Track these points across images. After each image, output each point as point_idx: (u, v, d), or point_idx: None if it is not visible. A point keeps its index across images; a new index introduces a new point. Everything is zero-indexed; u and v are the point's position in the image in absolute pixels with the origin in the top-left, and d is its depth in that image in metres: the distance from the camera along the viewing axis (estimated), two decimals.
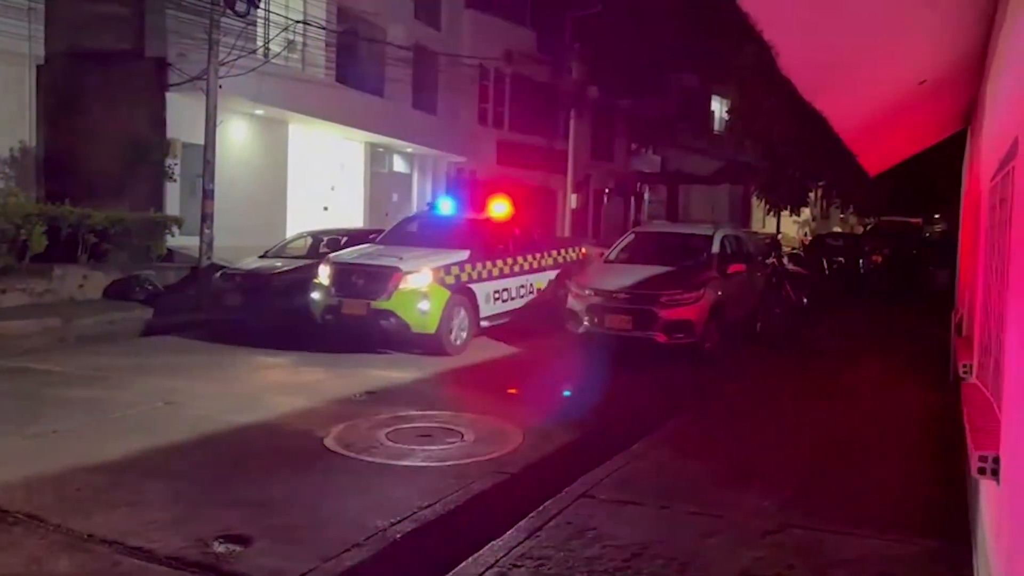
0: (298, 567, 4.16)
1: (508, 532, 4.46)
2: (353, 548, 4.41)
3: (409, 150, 24.81)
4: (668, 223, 16.52)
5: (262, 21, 17.04)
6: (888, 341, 12.76)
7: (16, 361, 8.96)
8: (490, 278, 10.73)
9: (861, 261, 20.68)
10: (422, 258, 10.04)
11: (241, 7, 14.47)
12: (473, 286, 10.35)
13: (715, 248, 11.23)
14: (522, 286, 11.52)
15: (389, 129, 22.02)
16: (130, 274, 13.37)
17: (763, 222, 39.35)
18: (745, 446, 6.43)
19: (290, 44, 17.84)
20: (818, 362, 10.59)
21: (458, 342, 10.07)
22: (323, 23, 19.07)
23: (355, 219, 21.75)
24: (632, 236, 12.34)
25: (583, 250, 13.39)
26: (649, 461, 5.86)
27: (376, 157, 24.05)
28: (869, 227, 28.61)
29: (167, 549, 4.28)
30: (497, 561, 4.11)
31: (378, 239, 11.52)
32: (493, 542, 4.32)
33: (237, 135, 18.39)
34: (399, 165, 25.40)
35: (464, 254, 10.39)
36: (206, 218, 14.47)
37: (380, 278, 9.76)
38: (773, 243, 18.14)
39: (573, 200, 24.95)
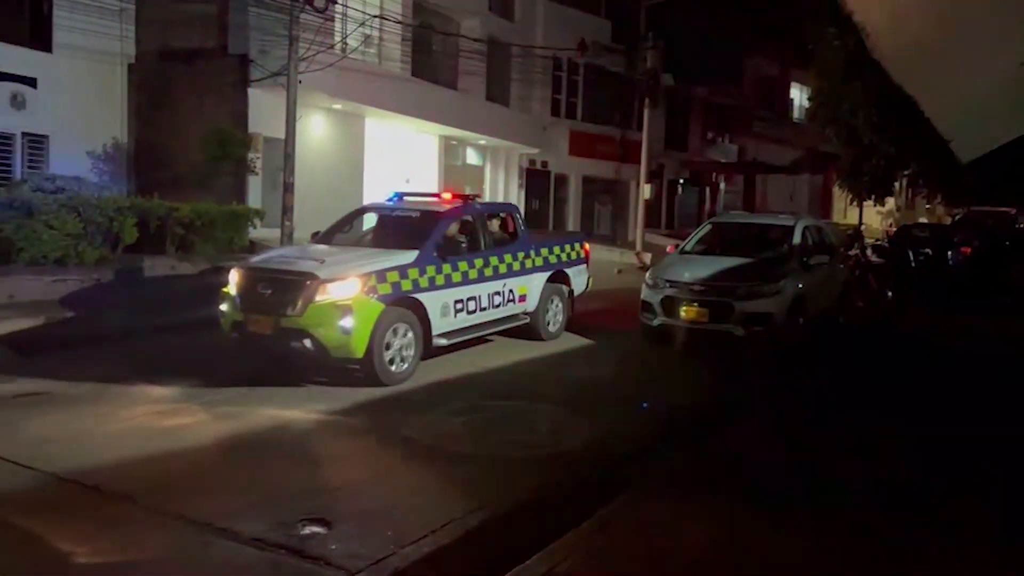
0: (377, 552, 4.23)
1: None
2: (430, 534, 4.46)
3: (482, 142, 24.91)
4: (746, 213, 16.16)
5: (340, 17, 17.32)
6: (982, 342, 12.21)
7: None
8: (449, 285, 8.41)
9: (950, 253, 19.81)
10: (351, 261, 7.90)
11: (320, 3, 14.74)
12: (422, 296, 8.04)
13: (796, 239, 10.92)
14: (496, 293, 9.23)
15: (462, 122, 22.15)
16: (215, 265, 13.82)
17: (844, 213, 38.14)
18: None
19: (367, 39, 18.10)
20: (908, 364, 10.20)
21: (400, 368, 7.73)
22: (399, 18, 19.27)
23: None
24: (709, 227, 12.10)
25: (585, 247, 11.18)
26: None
27: (450, 150, 24.22)
28: (958, 217, 27.36)
29: (252, 531, 4.40)
30: (566, 558, 4.11)
31: (319, 235, 9.46)
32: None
33: (316, 129, 18.77)
34: (472, 158, 25.53)
35: (410, 256, 8.06)
36: (286, 210, 14.82)
37: (291, 287, 7.49)
38: (856, 234, 17.53)
39: (647, 190, 24.59)
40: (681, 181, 34.56)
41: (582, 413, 7.10)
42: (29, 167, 15.67)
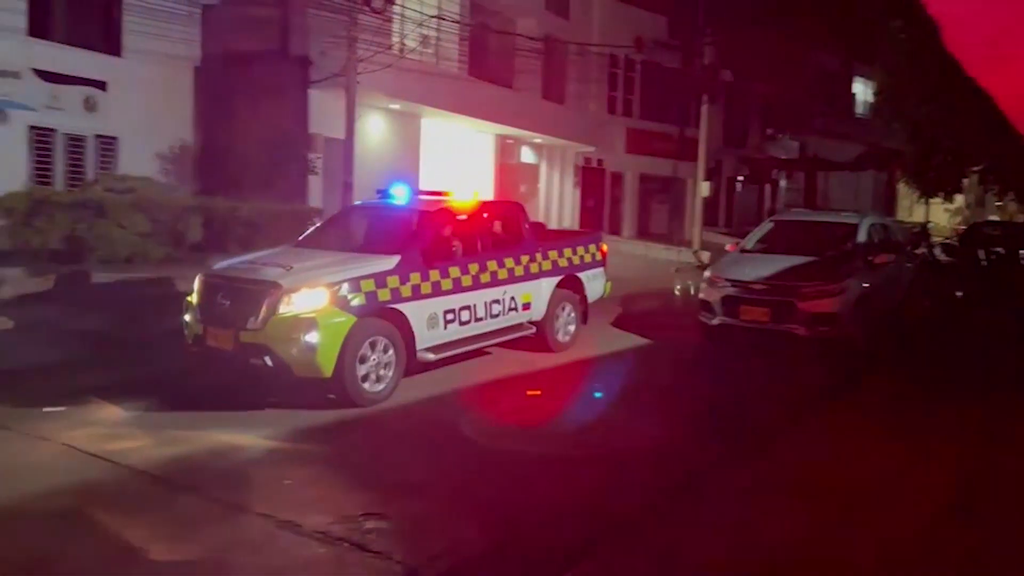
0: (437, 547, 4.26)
1: None
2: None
3: (538, 140, 24.90)
4: (809, 211, 15.81)
5: (398, 17, 17.50)
6: None
7: None
8: (437, 293, 7.52)
9: (1023, 252, 19.08)
10: (320, 268, 7.03)
11: (378, 4, 14.93)
12: (404, 306, 7.14)
13: (861, 237, 10.65)
14: (495, 301, 8.29)
15: (518, 120, 22.18)
16: None
17: (910, 211, 37.05)
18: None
19: (424, 39, 18.25)
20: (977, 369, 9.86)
21: (376, 387, 6.90)
22: (456, 17, 19.39)
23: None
24: (771, 225, 11.88)
25: (603, 248, 10.26)
26: None
27: (505, 148, 24.28)
28: None
29: (315, 524, 4.47)
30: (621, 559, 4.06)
31: (299, 239, 8.73)
32: None
33: (373, 129, 19.01)
34: (527, 156, 25.54)
35: (390, 261, 7.17)
36: None
37: (251, 298, 6.67)
38: (922, 232, 17.04)
39: (705, 188, 24.28)
40: (740, 178, 34.02)
41: (641, 414, 7.04)
42: (100, 168, 16.19)
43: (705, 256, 22.66)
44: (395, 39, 17.28)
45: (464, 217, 8.41)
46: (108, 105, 16.33)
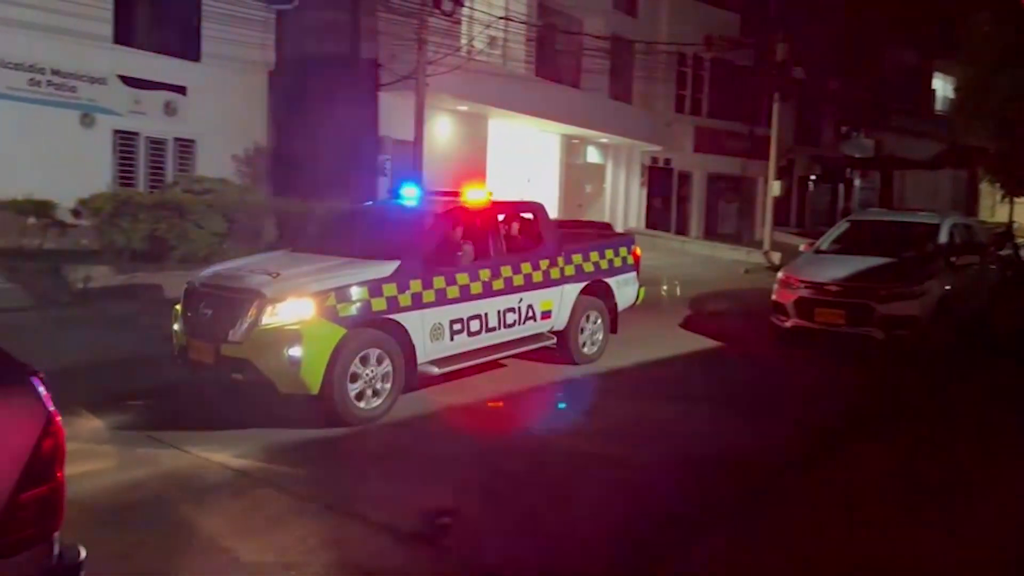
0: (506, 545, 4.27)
1: None
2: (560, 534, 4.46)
3: (604, 140, 24.77)
4: (886, 211, 15.31)
5: (466, 19, 17.63)
6: None
7: None
8: (442, 301, 6.88)
9: None
10: (309, 275, 6.41)
11: (447, 6, 15.06)
12: (403, 316, 6.55)
13: (942, 238, 10.28)
14: (510, 309, 7.58)
15: (585, 120, 22.10)
16: None
17: (992, 211, 35.55)
18: None
19: (492, 41, 18.35)
20: None
21: (370, 404, 6.34)
22: (523, 18, 19.43)
23: (549, 211, 21.98)
24: (847, 225, 11.55)
25: (635, 251, 9.49)
26: None
27: (571, 148, 24.23)
28: None
29: (386, 519, 4.52)
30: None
31: (299, 242, 8.30)
32: None
33: (441, 130, 19.19)
34: (593, 156, 25.43)
35: (388, 267, 6.56)
36: None
37: (233, 307, 6.16)
38: (1007, 233, 16.30)
39: (776, 187, 23.75)
40: (812, 178, 33.24)
41: (716, 416, 6.93)
42: (179, 170, 16.76)
43: (776, 257, 22.22)
44: (463, 41, 17.40)
45: (475, 218, 7.70)
46: (187, 109, 16.89)
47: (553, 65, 21.73)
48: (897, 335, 9.19)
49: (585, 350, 8.53)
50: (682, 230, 27.65)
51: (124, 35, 15.94)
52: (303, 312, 6.02)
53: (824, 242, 11.11)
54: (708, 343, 10.32)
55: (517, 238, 8.33)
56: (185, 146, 17.12)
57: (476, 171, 20.16)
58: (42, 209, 13.27)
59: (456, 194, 7.95)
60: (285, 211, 14.34)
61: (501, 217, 8.12)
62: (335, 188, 16.47)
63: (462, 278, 7.11)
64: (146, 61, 16.19)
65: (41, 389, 2.21)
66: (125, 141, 16.22)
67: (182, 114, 16.84)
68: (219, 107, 17.15)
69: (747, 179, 29.26)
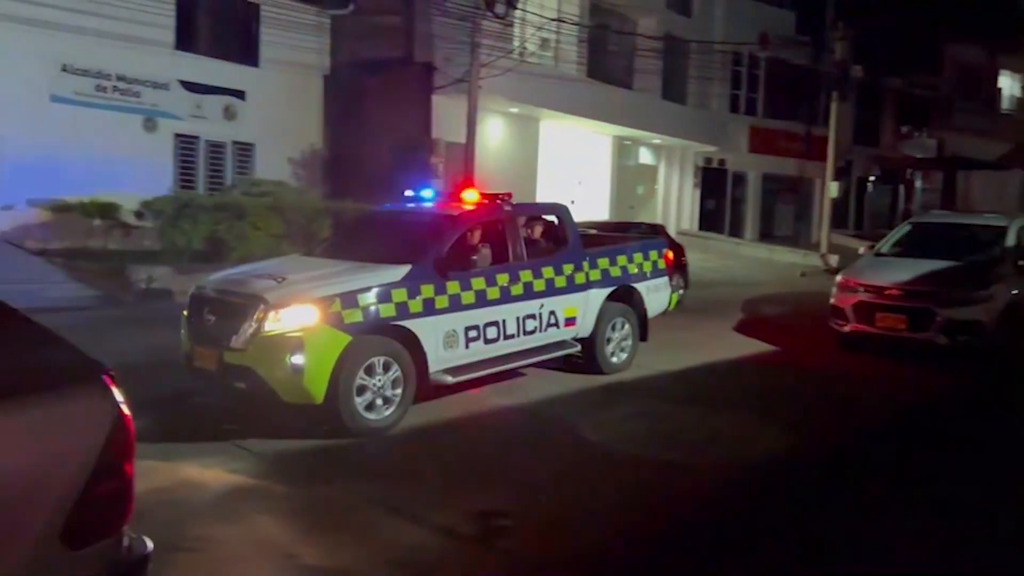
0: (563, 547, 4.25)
1: None
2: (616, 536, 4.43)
3: (656, 141, 24.57)
4: (949, 212, 14.85)
5: (519, 22, 17.66)
6: None
7: None
8: (456, 307, 6.60)
9: None
10: (315, 280, 6.23)
11: (500, 9, 15.11)
12: (414, 322, 6.30)
13: (1010, 240, 9.92)
14: (530, 316, 7.25)
15: (637, 121, 21.95)
16: None
17: None
18: None
19: (544, 43, 18.36)
20: None
21: (379, 415, 6.09)
22: (576, 19, 19.39)
23: (600, 213, 21.95)
24: (908, 227, 11.24)
25: (667, 255, 9.06)
26: None
27: (623, 150, 24.08)
28: None
29: (440, 520, 4.54)
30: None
31: (324, 244, 8.10)
32: None
33: (493, 132, 19.26)
34: (645, 157, 25.24)
35: (398, 272, 6.30)
36: None
37: (236, 314, 5.97)
38: None
39: (833, 188, 23.25)
40: (872, 178, 32.47)
41: (771, 422, 6.81)
42: (238, 173, 17.15)
43: (833, 260, 21.77)
44: (516, 43, 17.44)
45: (493, 221, 7.36)
46: (246, 113, 17.26)
47: (605, 66, 21.62)
48: (961, 341, 8.91)
49: (612, 359, 8.16)
50: (736, 232, 27.25)
51: (185, 41, 16.38)
52: (306, 318, 5.80)
53: (885, 245, 10.83)
54: (763, 347, 10.14)
55: (540, 241, 7.94)
56: (244, 150, 17.50)
57: (527, 173, 20.21)
58: (107, 211, 13.72)
59: (478, 196, 7.73)
60: (339, 212, 14.55)
61: (522, 219, 7.72)
62: (389, 190, 16.66)
63: (478, 283, 6.81)
64: (206, 66, 16.60)
65: (111, 386, 2.27)
66: (186, 145, 16.65)
67: (241, 118, 17.22)
68: (276, 111, 17.48)
69: (804, 180, 28.71)
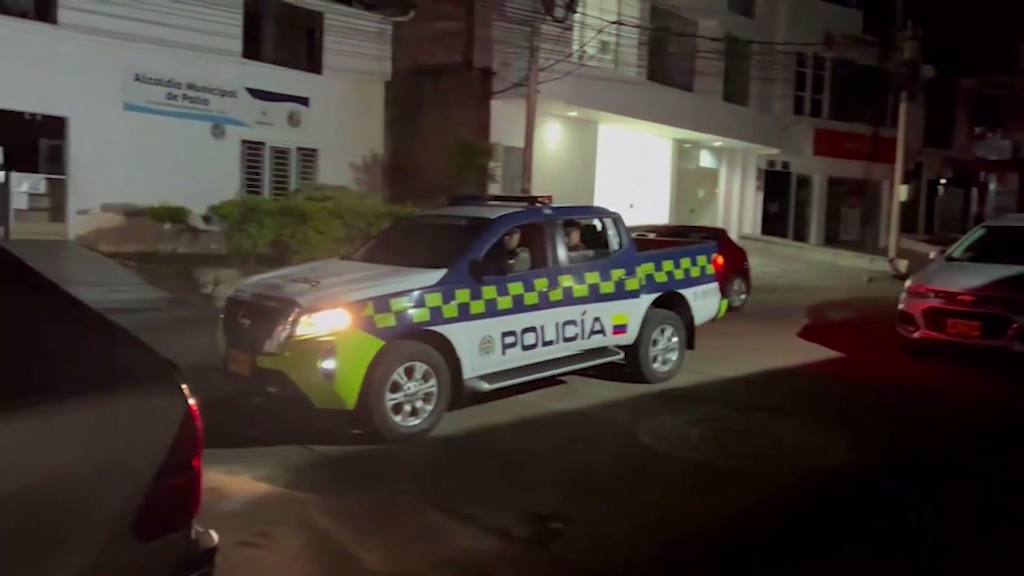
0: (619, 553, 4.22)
1: None
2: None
3: (718, 144, 24.24)
4: None
5: (578, 25, 17.64)
6: None
7: None
8: (492, 312, 6.48)
9: None
10: (349, 284, 6.22)
11: (559, 13, 15.11)
12: (448, 327, 6.19)
13: None
14: (570, 322, 7.09)
15: (698, 124, 21.69)
16: None
17: None
18: None
19: (603, 46, 18.29)
20: None
21: (411, 421, 6.00)
22: (636, 21, 19.27)
23: (660, 217, 21.76)
24: (982, 231, 10.83)
25: (716, 260, 8.67)
26: None
27: (683, 153, 23.83)
28: None
29: (494, 522, 4.54)
30: None
31: (363, 249, 7.82)
32: None
33: (551, 136, 19.26)
34: (706, 160, 24.92)
35: (432, 276, 6.23)
36: None
37: (269, 318, 5.94)
38: None
39: (902, 192, 22.57)
40: (942, 181, 31.47)
41: (836, 430, 6.64)
42: (301, 178, 17.51)
43: (902, 265, 21.19)
44: (575, 47, 17.42)
45: (533, 224, 7.17)
46: (309, 119, 17.62)
47: (665, 68, 21.44)
48: None
49: (656, 367, 7.85)
50: (800, 236, 26.73)
51: (252, 50, 16.82)
52: (338, 323, 5.73)
53: (957, 249, 10.46)
54: (828, 353, 9.90)
55: (583, 246, 7.64)
56: (307, 155, 17.87)
57: (586, 177, 20.15)
58: (176, 215, 14.16)
59: (522, 200, 7.61)
60: (398, 217, 14.70)
61: (563, 223, 7.38)
62: (448, 194, 16.79)
63: (515, 287, 6.65)
64: (272, 74, 17.02)
65: (181, 383, 2.34)
66: (252, 151, 17.09)
67: (305, 124, 17.59)
68: (339, 117, 17.81)
69: (871, 183, 27.99)
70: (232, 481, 5.15)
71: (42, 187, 14.66)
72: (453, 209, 7.74)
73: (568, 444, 6.17)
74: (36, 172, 14.69)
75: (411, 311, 6.02)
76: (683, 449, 6.02)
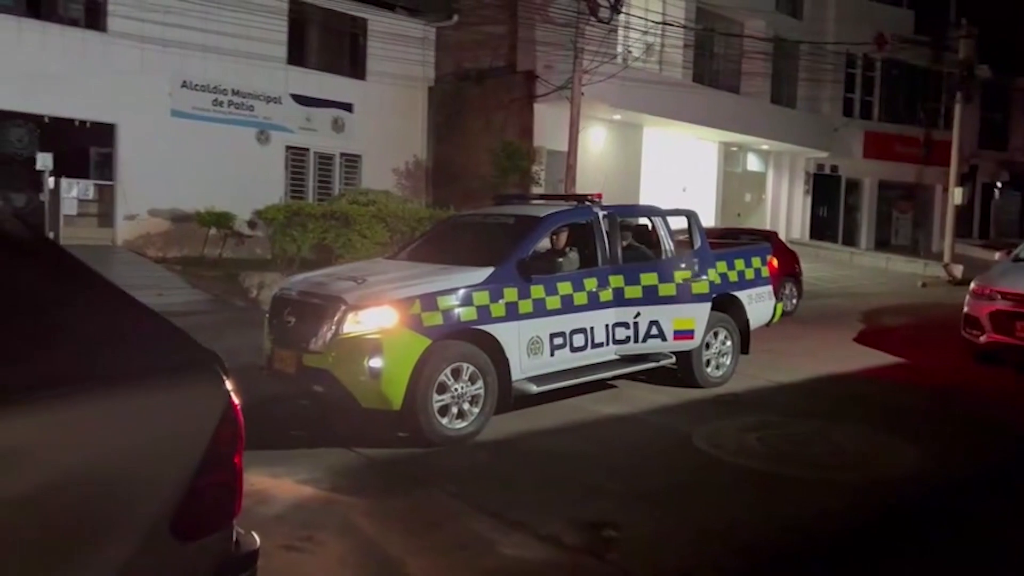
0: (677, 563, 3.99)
1: None
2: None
3: (765, 147, 23.79)
4: None
5: (622, 27, 17.43)
6: None
7: None
8: (541, 312, 6.28)
9: None
10: (396, 282, 6.02)
11: (604, 14, 14.92)
12: (496, 327, 6.00)
13: None
14: (622, 324, 6.82)
15: (745, 127, 21.31)
16: None
17: None
18: None
19: (648, 47, 18.03)
20: None
21: (458, 423, 5.81)
22: (681, 23, 18.98)
23: (706, 221, 21.35)
24: None
25: (771, 262, 8.35)
26: None
27: (729, 156, 23.43)
28: None
29: (544, 529, 4.35)
30: None
31: (408, 248, 7.60)
32: None
33: (595, 140, 19.03)
34: (753, 164, 24.48)
35: (480, 274, 6.05)
36: None
37: (316, 315, 5.80)
38: None
39: (958, 195, 21.91)
40: (999, 184, 30.50)
41: (901, 438, 6.31)
42: (346, 184, 17.55)
43: (958, 270, 20.60)
44: (619, 49, 17.20)
45: (583, 223, 6.97)
46: (353, 125, 17.67)
47: (711, 70, 21.10)
48: None
49: (709, 371, 7.57)
50: (850, 241, 26.13)
51: (296, 56, 16.92)
52: (385, 320, 5.57)
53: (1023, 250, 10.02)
54: (887, 359, 9.51)
55: (636, 246, 7.39)
56: (351, 161, 17.92)
57: (630, 181, 19.86)
58: (222, 220, 14.24)
59: (575, 198, 7.43)
60: (441, 220, 14.63)
61: (616, 221, 7.08)
62: (491, 198, 16.68)
63: (564, 287, 6.44)
64: (316, 80, 17.10)
65: (223, 376, 2.20)
66: (296, 157, 17.18)
67: (348, 130, 17.64)
68: (382, 123, 17.83)
69: (923, 187, 27.25)
70: (275, 484, 5.03)
71: (91, 193, 14.88)
72: (499, 208, 7.60)
73: (619, 449, 5.95)
74: (85, 178, 14.91)
75: (458, 310, 5.86)
76: (740, 456, 5.76)
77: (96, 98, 14.18)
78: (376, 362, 5.49)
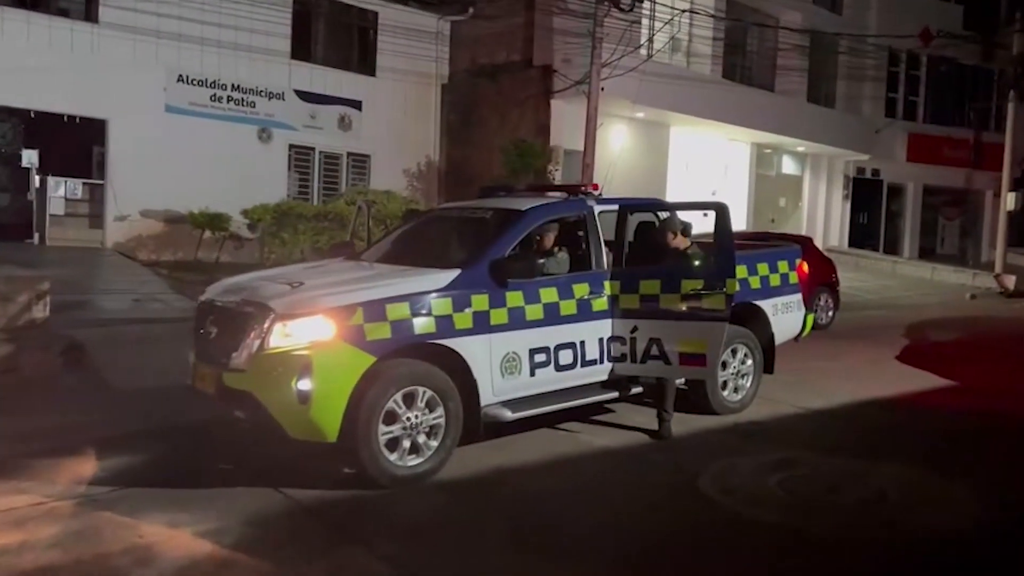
0: None
1: None
2: None
3: (800, 149, 22.55)
4: None
5: (646, 17, 16.36)
6: None
7: None
8: (518, 324, 5.24)
9: None
10: (338, 286, 5.01)
11: (626, 2, 13.89)
12: (460, 341, 4.99)
13: None
14: (617, 339, 5.72)
15: (779, 127, 20.12)
16: None
17: None
18: None
19: (673, 40, 16.91)
20: None
21: (410, 460, 4.80)
22: (711, 14, 17.84)
23: (737, 226, 20.18)
24: None
25: (801, 266, 7.09)
26: None
27: (763, 158, 22.21)
28: None
29: None
30: None
31: (374, 247, 6.71)
32: None
33: (616, 139, 17.96)
34: (788, 166, 23.24)
35: (444, 277, 5.06)
36: None
37: (239, 326, 4.81)
38: None
39: (1010, 200, 20.49)
40: None
41: (958, 481, 5.16)
42: (353, 184, 16.66)
43: (1010, 281, 19.30)
44: (642, 40, 16.12)
45: (573, 219, 5.90)
46: (361, 123, 16.83)
47: (743, 66, 19.92)
48: None
49: (726, 395, 6.47)
50: (892, 249, 24.78)
51: (301, 51, 16.14)
52: (317, 332, 4.57)
53: None
54: (936, 381, 8.30)
55: (643, 249, 6.11)
56: (359, 161, 17.08)
57: (656, 183, 18.71)
58: (216, 222, 13.44)
59: (563, 190, 6.33)
60: (414, 215, 13.71)
61: (614, 218, 6.02)
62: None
63: (548, 294, 5.40)
64: (322, 76, 16.30)
65: None
66: (300, 156, 16.37)
67: (356, 128, 16.81)
68: (393, 121, 16.99)
69: (972, 192, 25.78)
70: (168, 537, 4.05)
71: (80, 192, 14.21)
72: (480, 202, 6.47)
73: (609, 495, 4.88)
74: (74, 177, 14.22)
75: (413, 320, 4.82)
76: (757, 507, 4.66)
77: (86, 92, 13.50)
78: (305, 384, 4.48)
